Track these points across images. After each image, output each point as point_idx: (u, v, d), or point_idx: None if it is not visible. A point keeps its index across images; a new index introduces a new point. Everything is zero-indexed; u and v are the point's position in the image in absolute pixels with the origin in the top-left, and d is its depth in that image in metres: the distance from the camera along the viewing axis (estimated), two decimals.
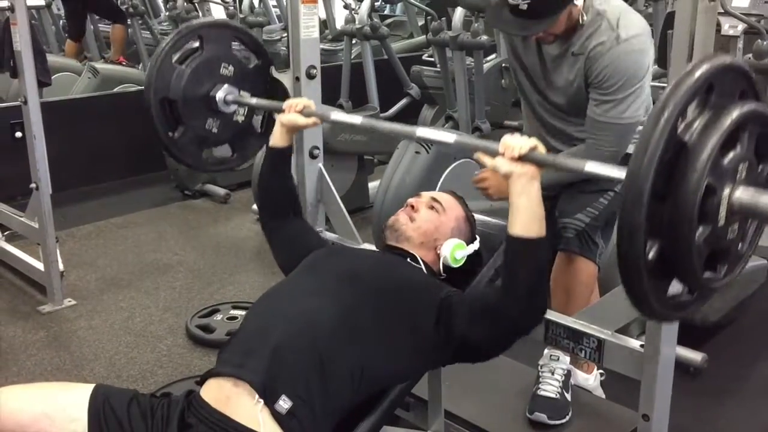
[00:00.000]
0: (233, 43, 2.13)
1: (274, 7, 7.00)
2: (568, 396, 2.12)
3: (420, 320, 1.57)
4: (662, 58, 3.93)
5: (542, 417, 2.05)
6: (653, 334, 1.54)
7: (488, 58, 4.46)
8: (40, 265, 3.15)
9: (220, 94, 2.07)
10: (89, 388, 1.49)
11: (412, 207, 1.81)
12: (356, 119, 1.80)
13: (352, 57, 5.23)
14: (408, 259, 1.76)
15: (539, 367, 2.17)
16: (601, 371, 2.29)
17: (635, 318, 1.67)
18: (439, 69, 4.71)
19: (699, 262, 1.09)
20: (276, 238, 1.94)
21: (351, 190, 4.02)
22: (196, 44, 2.06)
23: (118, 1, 6.28)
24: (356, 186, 4.08)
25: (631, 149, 2.08)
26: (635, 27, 1.94)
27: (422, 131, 1.63)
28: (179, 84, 2.03)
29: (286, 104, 1.89)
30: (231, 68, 2.08)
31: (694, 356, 2.50)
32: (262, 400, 1.40)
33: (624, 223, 1.04)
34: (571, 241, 2.13)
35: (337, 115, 1.89)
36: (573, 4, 1.90)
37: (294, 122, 1.87)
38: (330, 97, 4.85)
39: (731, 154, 1.07)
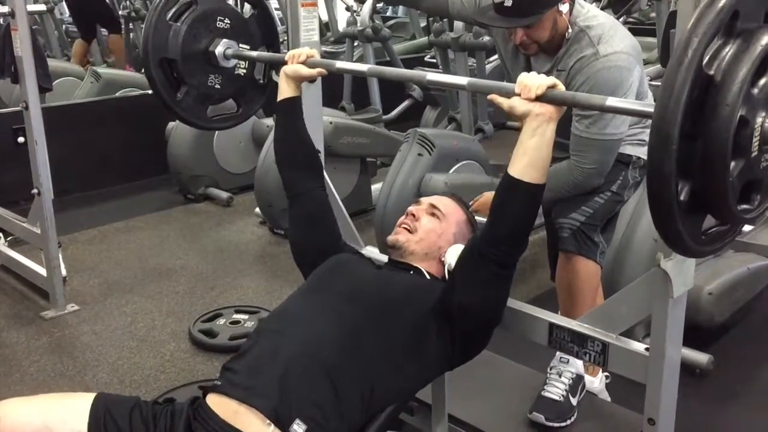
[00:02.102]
0: None
1: (276, 9, 7.01)
2: (574, 400, 2.10)
3: (424, 332, 1.56)
4: (665, 56, 3.93)
5: (540, 417, 2.03)
6: (658, 337, 1.52)
7: (490, 59, 4.44)
8: (42, 271, 3.14)
9: (219, 49, 2.03)
10: (90, 398, 1.47)
11: (413, 215, 1.79)
12: (363, 67, 1.78)
13: (355, 59, 5.23)
14: (412, 272, 1.74)
15: (548, 369, 2.16)
16: (606, 374, 2.28)
17: (640, 321, 1.65)
18: (441, 70, 4.70)
19: (733, 196, 1.05)
20: (297, 210, 1.89)
21: (354, 192, 4.01)
22: None
23: (120, 5, 6.30)
24: (359, 188, 4.07)
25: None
26: (616, 44, 1.94)
27: (432, 75, 1.60)
28: (176, 42, 1.98)
29: (288, 55, 1.85)
30: (227, 21, 2.05)
31: (700, 358, 2.48)
32: (272, 424, 1.38)
33: (653, 168, 1.00)
34: (567, 241, 2.13)
35: (342, 64, 1.86)
36: (558, 9, 1.92)
37: (298, 73, 1.84)
38: (332, 99, 4.86)
39: (762, 82, 1.02)
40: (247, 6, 2.22)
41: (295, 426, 1.38)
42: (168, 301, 3.22)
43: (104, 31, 6.48)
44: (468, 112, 4.42)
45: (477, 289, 1.56)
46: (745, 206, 1.10)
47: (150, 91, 2.14)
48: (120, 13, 6.37)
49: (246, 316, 2.94)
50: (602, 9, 3.89)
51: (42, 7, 4.84)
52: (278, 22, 6.43)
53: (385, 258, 1.88)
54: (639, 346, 1.58)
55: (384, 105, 5.02)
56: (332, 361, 1.47)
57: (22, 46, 2.88)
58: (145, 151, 4.70)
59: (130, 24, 6.33)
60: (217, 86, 2.09)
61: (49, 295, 3.13)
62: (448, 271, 1.73)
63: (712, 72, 1.00)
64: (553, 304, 2.27)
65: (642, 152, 2.16)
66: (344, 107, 4.98)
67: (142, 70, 5.97)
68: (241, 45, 2.09)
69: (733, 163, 1.02)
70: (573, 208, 2.14)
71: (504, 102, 1.43)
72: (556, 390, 2.09)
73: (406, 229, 1.78)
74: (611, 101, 1.30)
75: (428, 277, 1.73)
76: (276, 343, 1.52)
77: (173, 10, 2.01)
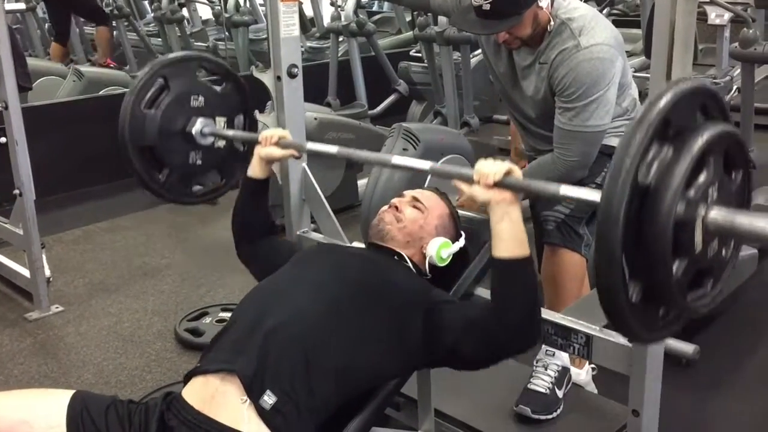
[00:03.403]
0: (198, 71, 2.11)
1: (260, 5, 6.97)
2: (560, 393, 2.10)
3: (406, 320, 1.56)
4: (650, 48, 3.93)
5: (526, 410, 2.04)
6: None
7: (475, 53, 4.44)
8: (26, 272, 3.12)
9: (196, 128, 2.04)
10: (68, 394, 1.47)
11: (396, 208, 1.79)
12: (332, 149, 1.78)
13: (340, 54, 5.20)
14: (395, 257, 1.74)
15: (534, 362, 2.16)
16: (593, 365, 2.28)
17: None
18: (426, 65, 4.70)
19: (681, 291, 1.08)
20: (252, 261, 1.94)
21: (340, 188, 3.99)
22: (161, 83, 2.03)
23: (103, 3, 6.23)
24: (345, 184, 4.05)
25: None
26: (598, 36, 1.94)
27: (397, 159, 1.63)
28: (153, 129, 1.99)
29: (261, 136, 1.88)
30: (201, 99, 2.06)
31: (686, 348, 2.45)
32: (248, 398, 1.39)
33: (601, 282, 1.05)
34: (552, 233, 2.14)
35: (312, 146, 1.89)
36: (537, 5, 1.91)
37: (271, 156, 1.87)
38: (318, 95, 4.84)
39: (699, 181, 1.05)
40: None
41: (265, 397, 1.39)
42: (154, 300, 3.20)
43: (92, 25, 6.40)
44: (454, 106, 4.41)
45: (478, 349, 1.53)
46: (698, 292, 1.13)
47: None
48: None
49: None
50: (585, 1, 3.88)
51: (21, 5, 4.78)
52: (262, 17, 6.43)
53: None
54: (622, 338, 1.58)
55: (370, 100, 5.01)
56: (309, 335, 1.47)
57: (0, 44, 2.84)
58: None
59: (114, 22, 6.28)
60: (199, 162, 2.10)
61: (32, 296, 3.10)
62: (430, 263, 1.73)
63: (648, 181, 1.03)
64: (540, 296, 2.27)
65: None
66: (330, 103, 4.96)
67: (125, 67, 5.92)
68: (217, 117, 2.10)
69: (676, 263, 1.05)
70: (557, 200, 2.14)
71: (465, 190, 1.46)
72: (542, 383, 2.09)
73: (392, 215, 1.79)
74: (564, 189, 1.31)
75: (411, 265, 1.73)
76: (257, 317, 1.52)
77: (147, 97, 2.01)
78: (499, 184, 1.40)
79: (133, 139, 1.98)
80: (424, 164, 1.55)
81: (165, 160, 2.05)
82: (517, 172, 1.42)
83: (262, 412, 1.39)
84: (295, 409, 1.41)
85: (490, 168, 1.41)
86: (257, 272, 1.93)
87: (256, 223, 1.95)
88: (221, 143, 2.11)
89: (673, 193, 1.01)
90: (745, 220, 1.03)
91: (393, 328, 1.55)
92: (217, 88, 2.12)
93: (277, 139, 1.86)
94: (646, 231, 1.02)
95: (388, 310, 1.56)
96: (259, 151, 1.88)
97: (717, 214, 1.05)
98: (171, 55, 2.12)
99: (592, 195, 1.22)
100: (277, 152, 1.86)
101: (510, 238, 1.43)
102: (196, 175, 2.14)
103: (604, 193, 1.03)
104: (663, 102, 1.04)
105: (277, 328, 1.47)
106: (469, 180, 1.44)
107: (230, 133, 2.09)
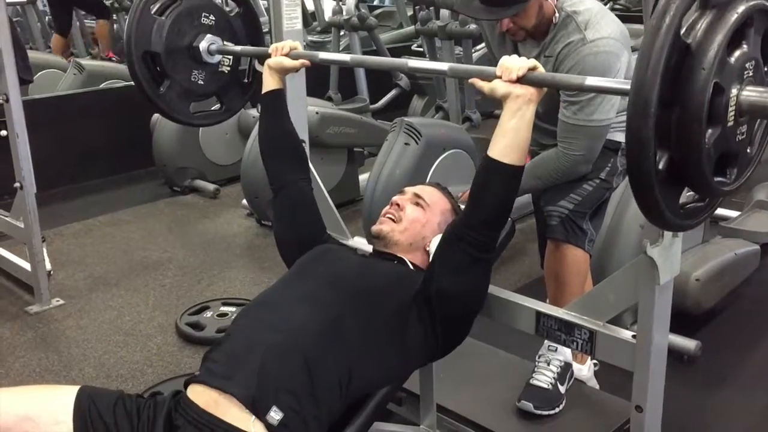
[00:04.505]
0: None
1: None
2: (562, 388, 2.10)
3: (407, 319, 1.55)
4: None
5: (528, 406, 2.03)
6: (645, 324, 1.51)
7: (477, 48, 4.43)
8: (27, 265, 3.11)
9: (203, 44, 2.05)
10: (74, 390, 1.46)
11: (398, 205, 1.78)
12: (345, 57, 1.80)
13: (341, 48, 5.19)
14: (395, 262, 1.73)
15: (537, 358, 2.16)
16: (595, 361, 2.28)
17: (627, 308, 1.65)
18: (428, 59, 4.68)
19: (709, 166, 1.08)
20: (282, 202, 1.89)
21: (341, 182, 3.99)
22: None
23: None
24: (346, 179, 4.05)
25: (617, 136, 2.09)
26: (604, 30, 1.94)
27: (414, 62, 1.64)
28: (160, 36, 2.00)
29: (272, 48, 1.87)
30: (212, 17, 2.07)
31: (688, 344, 2.49)
32: (252, 413, 1.38)
33: (632, 135, 1.02)
34: (556, 229, 2.13)
35: (325, 55, 1.88)
36: None
37: (282, 65, 1.86)
38: (319, 89, 4.83)
39: (738, 53, 1.05)
40: (232, 4, 2.22)
41: (272, 413, 1.38)
42: (154, 294, 3.19)
43: (92, 18, 6.38)
44: (455, 100, 4.40)
45: (455, 273, 1.55)
46: (721, 179, 1.13)
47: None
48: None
49: (233, 309, 2.92)
50: None
51: None
52: (263, 11, 6.42)
53: (370, 248, 1.87)
54: (626, 334, 1.57)
55: (371, 94, 5.00)
56: (310, 348, 1.46)
57: (1, 37, 2.83)
58: (130, 143, 4.67)
59: (114, 15, 6.27)
60: (201, 82, 2.10)
61: (33, 289, 3.09)
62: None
63: (689, 41, 1.02)
64: (542, 292, 2.27)
65: None
66: (331, 97, 4.95)
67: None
68: (225, 42, 2.10)
69: (709, 131, 1.04)
70: (561, 195, 2.13)
71: (485, 85, 1.44)
72: (544, 378, 2.09)
73: (390, 219, 1.77)
74: (590, 80, 1.31)
75: (411, 267, 1.72)
76: (255, 332, 1.51)
77: (158, 4, 2.01)
78: (522, 80, 1.38)
79: (138, 42, 1.98)
80: (443, 65, 1.55)
81: (168, 71, 2.04)
82: (542, 68, 1.41)
83: (270, 428, 1.37)
84: (303, 422, 1.40)
85: (515, 62, 1.40)
86: (281, 207, 1.88)
87: (280, 134, 1.91)
88: (226, 68, 2.11)
89: (716, 50, 1.00)
90: None
91: (396, 331, 1.54)
92: (231, 14, 2.13)
93: (288, 50, 1.84)
94: (683, 89, 1.01)
95: (389, 315, 1.55)
96: (269, 62, 1.87)
97: (752, 91, 1.06)
98: None
99: (620, 84, 1.20)
100: (288, 62, 1.85)
101: (511, 138, 1.43)
102: (195, 95, 2.13)
103: (644, 43, 1.00)
104: None
105: (277, 344, 1.46)
106: (491, 76, 1.42)
107: (238, 48, 2.09)
